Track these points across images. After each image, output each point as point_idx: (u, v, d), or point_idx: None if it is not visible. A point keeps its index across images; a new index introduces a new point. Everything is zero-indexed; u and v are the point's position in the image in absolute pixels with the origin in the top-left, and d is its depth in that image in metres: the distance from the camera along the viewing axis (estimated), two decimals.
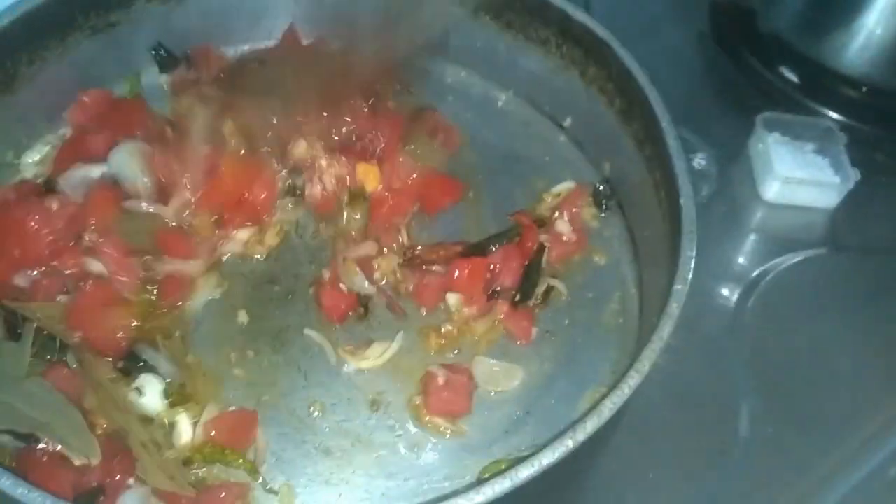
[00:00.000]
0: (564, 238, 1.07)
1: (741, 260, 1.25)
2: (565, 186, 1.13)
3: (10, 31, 1.00)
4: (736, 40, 1.50)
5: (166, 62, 1.18)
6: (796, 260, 1.26)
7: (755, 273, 1.23)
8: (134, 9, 1.12)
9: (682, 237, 0.86)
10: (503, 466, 0.87)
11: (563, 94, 1.17)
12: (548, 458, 0.73)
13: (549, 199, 1.12)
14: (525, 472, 0.72)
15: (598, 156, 1.15)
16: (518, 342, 1.00)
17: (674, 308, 0.82)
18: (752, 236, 1.29)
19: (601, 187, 1.13)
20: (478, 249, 1.03)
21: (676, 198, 0.90)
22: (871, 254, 1.29)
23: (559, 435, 0.75)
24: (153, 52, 1.17)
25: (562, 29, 1.12)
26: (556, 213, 1.09)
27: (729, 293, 1.19)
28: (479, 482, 0.77)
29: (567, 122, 1.19)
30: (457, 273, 0.99)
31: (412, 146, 1.10)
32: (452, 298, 1.00)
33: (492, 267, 1.01)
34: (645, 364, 0.79)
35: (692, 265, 0.84)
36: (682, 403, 1.06)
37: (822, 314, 1.20)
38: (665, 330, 0.81)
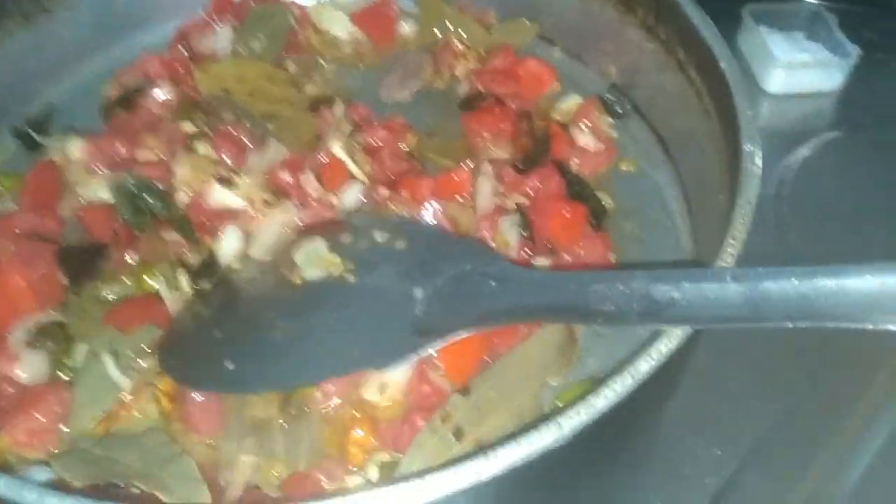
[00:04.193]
0: (591, 150, 0.98)
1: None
2: (572, 101, 1.04)
3: None
4: None
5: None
6: (816, 147, 1.21)
7: (779, 168, 1.17)
8: None
9: (735, 99, 0.77)
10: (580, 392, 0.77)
11: (550, 7, 1.08)
12: (640, 370, 0.62)
13: (558, 117, 1.03)
14: (617, 388, 0.61)
15: (601, 62, 1.06)
16: None
17: (753, 184, 0.72)
18: (766, 133, 1.22)
19: (609, 95, 1.04)
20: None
21: (714, 61, 0.81)
22: (887, 127, 1.24)
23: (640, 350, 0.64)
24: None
25: None
26: (575, 127, 0.99)
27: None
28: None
29: (559, 37, 1.10)
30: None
31: None
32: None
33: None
34: (736, 246, 0.68)
35: (755, 124, 0.76)
36: None
37: (856, 193, 1.15)
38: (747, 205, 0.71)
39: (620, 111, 1.03)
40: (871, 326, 0.57)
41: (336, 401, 0.78)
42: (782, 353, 0.94)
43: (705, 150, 0.88)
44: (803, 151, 1.19)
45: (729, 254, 0.66)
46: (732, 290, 0.60)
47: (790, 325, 0.59)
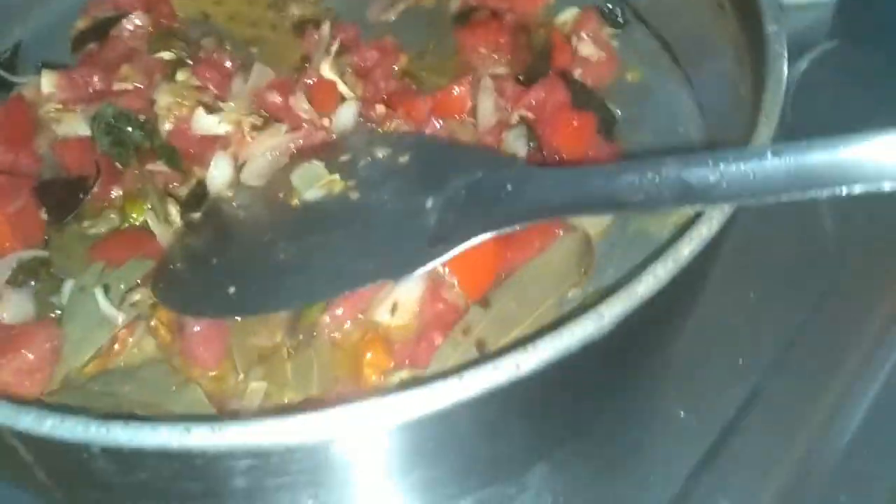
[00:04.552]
0: (593, 61, 0.93)
1: None
2: (569, 14, 0.99)
3: None
4: None
5: None
6: (814, 59, 1.17)
7: None
8: None
9: None
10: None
11: None
12: (681, 255, 0.58)
13: (557, 30, 0.98)
14: (659, 274, 0.56)
15: None
16: None
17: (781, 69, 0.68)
18: None
19: (609, 4, 0.99)
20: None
21: None
22: (886, 38, 1.21)
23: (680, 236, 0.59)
24: None
25: None
26: (575, 38, 0.94)
27: None
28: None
29: None
30: None
31: None
32: None
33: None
34: (770, 125, 0.64)
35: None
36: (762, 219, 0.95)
37: (855, 105, 1.12)
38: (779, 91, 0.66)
39: (622, 20, 0.98)
40: None
41: (346, 324, 0.73)
42: (802, 260, 0.92)
43: (717, 48, 0.83)
44: (801, 64, 1.16)
45: (763, 133, 0.62)
46: (773, 165, 0.56)
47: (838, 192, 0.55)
